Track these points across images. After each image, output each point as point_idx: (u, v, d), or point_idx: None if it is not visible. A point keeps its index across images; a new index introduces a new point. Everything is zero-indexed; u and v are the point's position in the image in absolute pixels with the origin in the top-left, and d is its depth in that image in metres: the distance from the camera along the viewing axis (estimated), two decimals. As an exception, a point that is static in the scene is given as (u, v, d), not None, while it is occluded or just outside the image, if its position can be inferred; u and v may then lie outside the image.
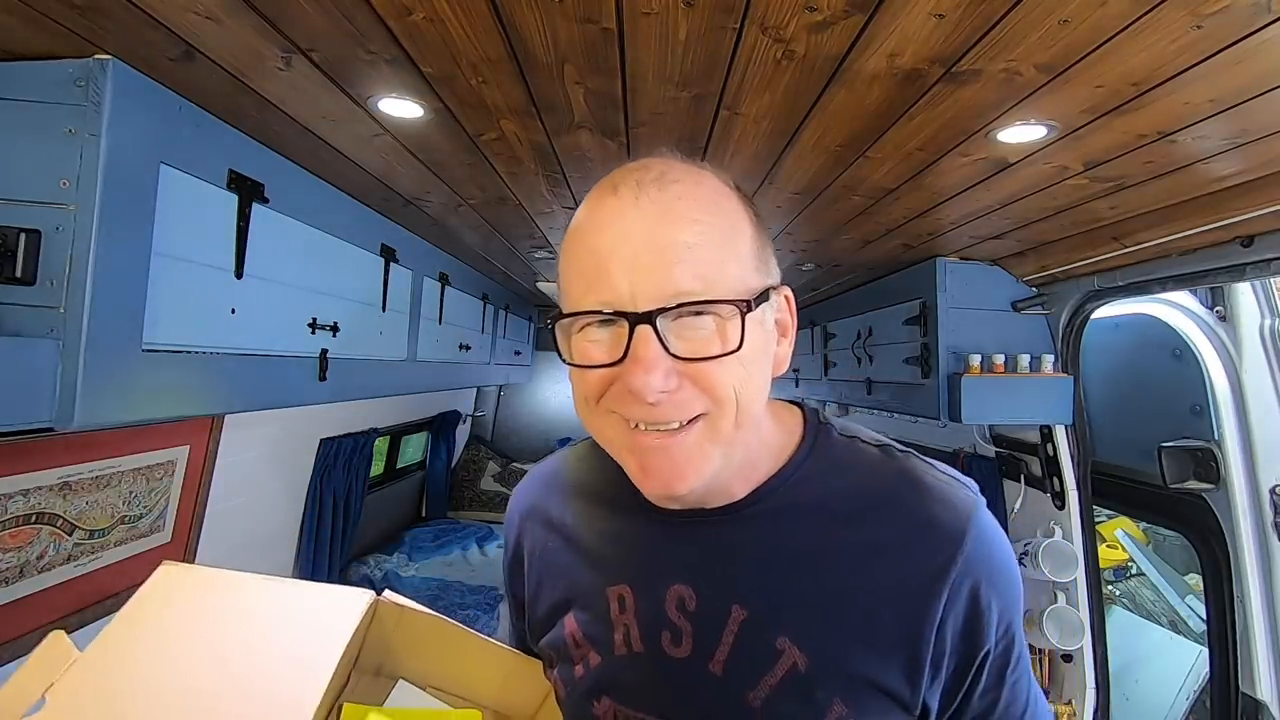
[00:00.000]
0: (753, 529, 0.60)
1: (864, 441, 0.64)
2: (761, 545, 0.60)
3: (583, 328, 0.55)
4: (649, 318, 0.51)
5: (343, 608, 0.76)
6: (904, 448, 0.65)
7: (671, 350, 0.51)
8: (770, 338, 0.58)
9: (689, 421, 0.54)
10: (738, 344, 0.52)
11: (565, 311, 0.55)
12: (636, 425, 0.54)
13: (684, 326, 0.52)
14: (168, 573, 0.81)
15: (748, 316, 0.53)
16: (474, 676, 0.84)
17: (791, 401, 0.68)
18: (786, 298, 0.60)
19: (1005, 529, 2.38)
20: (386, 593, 0.79)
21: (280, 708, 0.64)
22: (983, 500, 0.62)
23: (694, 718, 0.60)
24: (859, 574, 0.57)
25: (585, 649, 0.65)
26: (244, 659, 0.70)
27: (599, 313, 0.53)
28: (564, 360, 0.57)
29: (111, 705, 0.68)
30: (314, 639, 0.71)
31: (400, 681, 0.85)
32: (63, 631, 0.74)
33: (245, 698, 0.66)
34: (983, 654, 0.58)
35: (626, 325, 0.51)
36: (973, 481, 0.63)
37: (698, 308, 0.51)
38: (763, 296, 0.55)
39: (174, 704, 0.68)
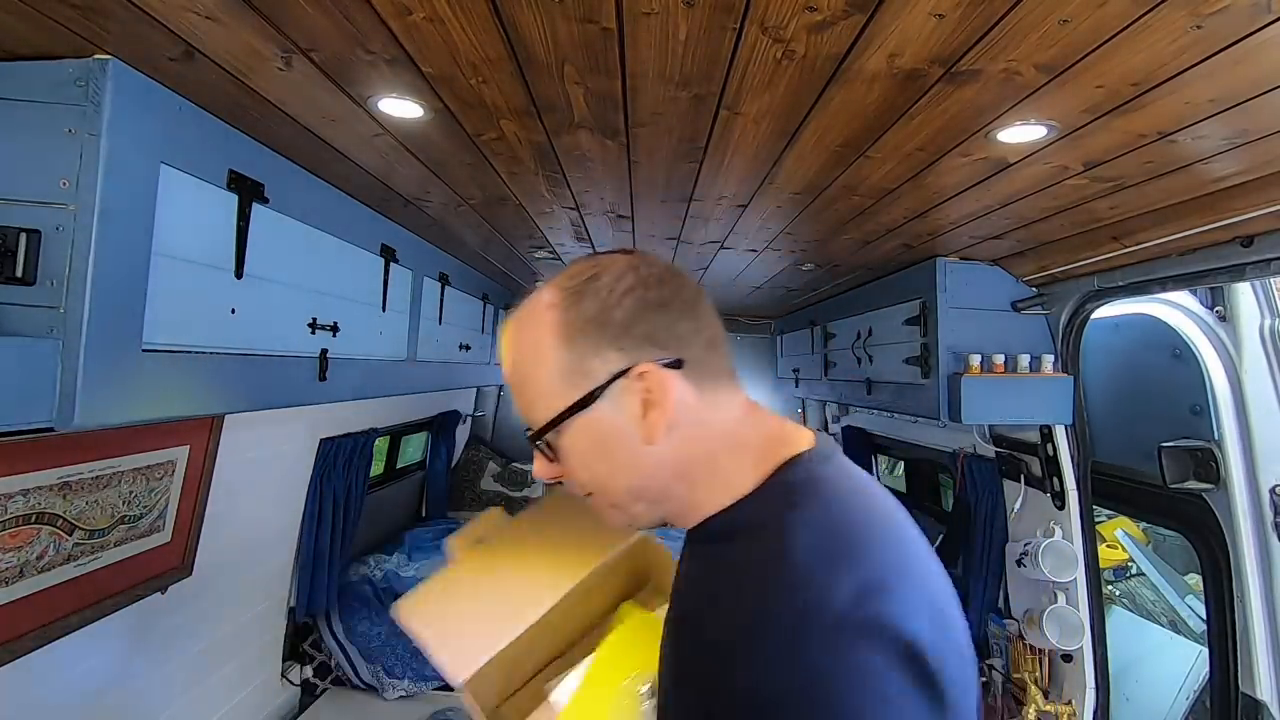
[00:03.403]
0: (700, 549, 0.70)
1: (797, 506, 0.61)
2: (696, 562, 0.70)
3: None
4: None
5: (613, 541, 1.24)
6: (826, 536, 0.59)
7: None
8: (620, 424, 0.65)
9: (586, 494, 0.71)
10: (556, 459, 0.68)
11: None
12: None
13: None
14: (553, 500, 1.38)
15: (561, 432, 0.66)
16: None
17: (816, 431, 0.72)
18: (641, 374, 0.64)
19: (1005, 529, 2.40)
20: (653, 533, 1.18)
21: (531, 605, 1.10)
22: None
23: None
24: (715, 618, 0.62)
25: None
26: (541, 565, 1.21)
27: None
28: None
29: (486, 566, 1.23)
30: (580, 561, 1.21)
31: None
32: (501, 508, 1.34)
33: (523, 593, 1.12)
34: None
35: None
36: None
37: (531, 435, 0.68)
38: (579, 405, 0.64)
39: (498, 583, 1.19)
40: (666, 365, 0.64)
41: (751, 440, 0.68)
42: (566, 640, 1.23)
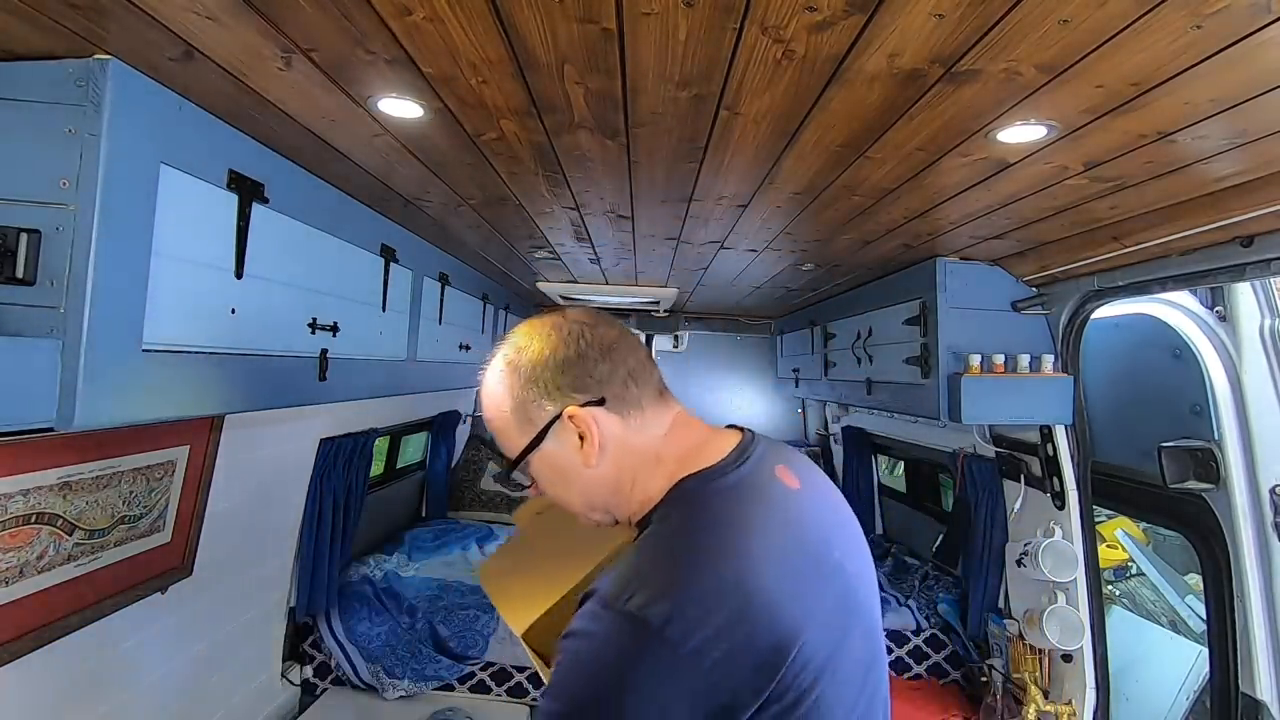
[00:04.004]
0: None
1: (658, 521, 0.78)
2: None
3: None
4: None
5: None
6: (699, 534, 0.74)
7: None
8: (567, 450, 0.84)
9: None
10: (531, 484, 0.90)
11: None
12: None
13: None
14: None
15: (530, 460, 0.85)
16: None
17: (743, 434, 0.88)
18: (570, 416, 0.82)
19: (1005, 529, 2.41)
20: None
21: (577, 566, 1.15)
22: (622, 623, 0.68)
23: None
24: None
25: None
26: (586, 534, 1.19)
27: None
28: None
29: (543, 535, 1.35)
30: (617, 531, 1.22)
31: None
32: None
33: (570, 557, 1.18)
34: None
35: None
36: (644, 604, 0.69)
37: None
38: (533, 444, 0.84)
39: (551, 548, 1.27)
40: (589, 404, 0.82)
41: (666, 458, 0.84)
42: None
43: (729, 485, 0.78)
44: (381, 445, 3.36)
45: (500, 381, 0.87)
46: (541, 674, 1.28)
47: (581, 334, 0.85)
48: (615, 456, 0.83)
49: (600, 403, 0.83)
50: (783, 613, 0.67)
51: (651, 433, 0.85)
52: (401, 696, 2.74)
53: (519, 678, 2.85)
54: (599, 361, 0.84)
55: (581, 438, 0.82)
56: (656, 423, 0.86)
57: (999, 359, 2.02)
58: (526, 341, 0.86)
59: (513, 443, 0.86)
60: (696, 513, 0.76)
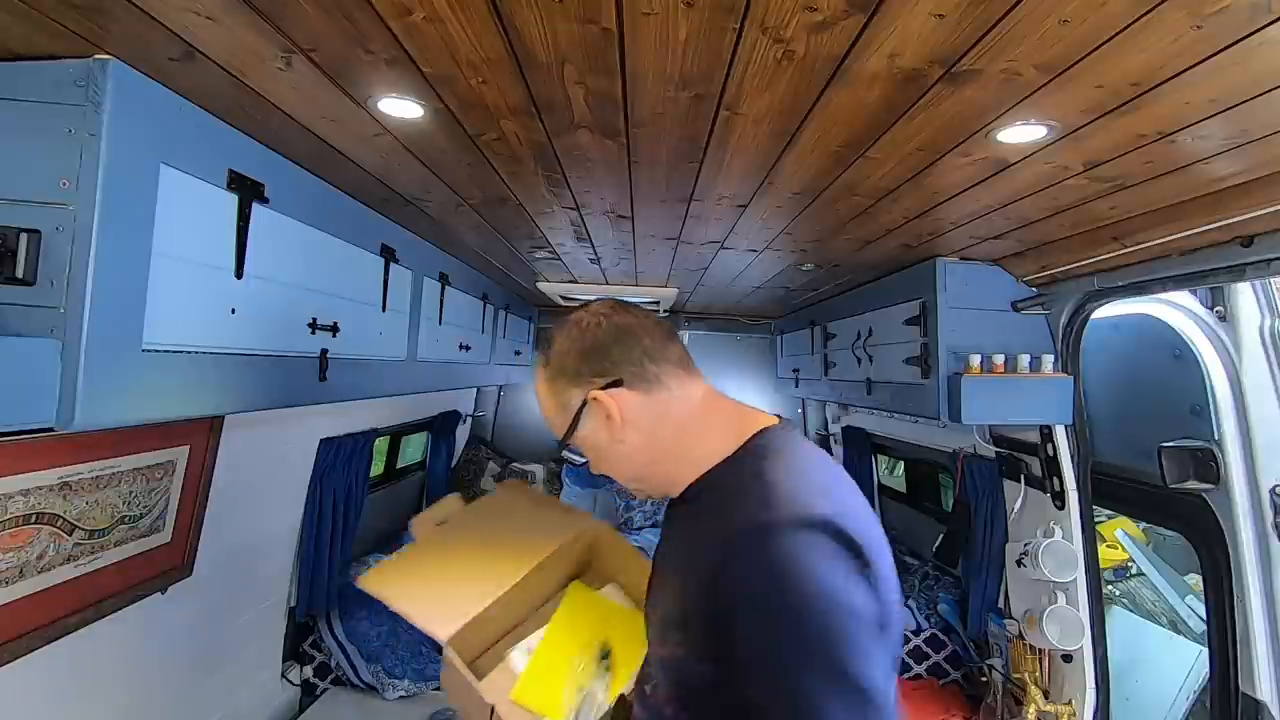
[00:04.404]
0: (677, 510, 0.93)
1: (767, 457, 0.84)
2: (672, 524, 0.95)
3: None
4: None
5: (570, 525, 1.50)
6: (794, 473, 0.82)
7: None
8: (600, 429, 0.92)
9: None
10: (583, 460, 0.98)
11: None
12: None
13: None
14: (508, 485, 1.76)
15: (573, 442, 0.94)
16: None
17: (780, 416, 0.95)
18: (594, 399, 0.90)
19: (1005, 529, 2.41)
20: (604, 522, 1.52)
21: (503, 575, 1.27)
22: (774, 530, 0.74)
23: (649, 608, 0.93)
24: (691, 554, 0.81)
25: None
26: (505, 541, 1.37)
27: None
28: None
29: (451, 541, 1.41)
30: (544, 539, 1.39)
31: (610, 585, 1.47)
32: (459, 495, 1.58)
33: (492, 565, 1.29)
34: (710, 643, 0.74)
35: None
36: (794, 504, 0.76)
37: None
38: (571, 428, 0.93)
39: (464, 556, 1.35)
40: (608, 386, 0.90)
41: (716, 420, 0.92)
42: (522, 612, 1.44)
43: (805, 439, 0.91)
44: (382, 445, 3.36)
45: (541, 377, 0.98)
46: (467, 678, 1.29)
47: (598, 324, 0.93)
48: (646, 430, 0.90)
49: (618, 384, 0.90)
50: (886, 555, 0.79)
51: (681, 405, 0.92)
52: (401, 696, 2.74)
53: (519, 678, 2.85)
54: (612, 346, 0.91)
55: (606, 418, 0.90)
56: (684, 394, 0.92)
57: (999, 359, 2.02)
58: (555, 338, 0.97)
59: (558, 427, 0.96)
60: (802, 452, 0.85)
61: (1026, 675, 2.23)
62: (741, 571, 0.70)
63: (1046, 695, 2.19)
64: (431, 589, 1.28)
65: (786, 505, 0.74)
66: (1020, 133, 1.10)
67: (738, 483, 0.82)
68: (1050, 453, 2.14)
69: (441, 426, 3.98)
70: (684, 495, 0.90)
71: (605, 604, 1.43)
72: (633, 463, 0.93)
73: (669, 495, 0.94)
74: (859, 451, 3.84)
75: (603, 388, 0.90)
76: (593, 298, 3.44)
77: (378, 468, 3.46)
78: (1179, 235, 1.48)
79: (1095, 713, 2.07)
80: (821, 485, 0.80)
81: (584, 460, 0.98)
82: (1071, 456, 2.11)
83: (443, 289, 2.41)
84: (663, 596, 0.87)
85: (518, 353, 3.88)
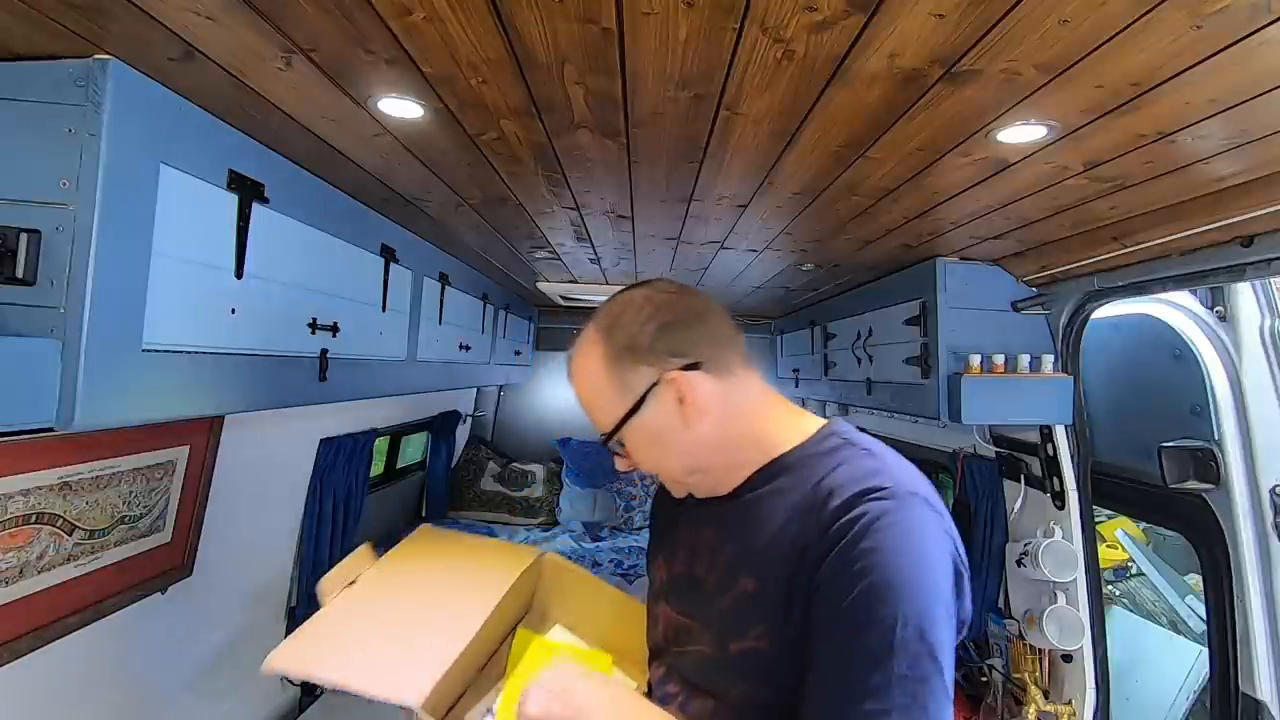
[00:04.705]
0: (736, 505, 0.89)
1: (847, 444, 0.84)
2: (724, 516, 0.89)
3: None
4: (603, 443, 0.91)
5: (516, 558, 1.34)
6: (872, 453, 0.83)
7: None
8: (669, 414, 0.85)
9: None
10: (626, 455, 0.90)
11: None
12: None
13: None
14: (423, 531, 1.49)
15: (624, 428, 0.86)
16: (606, 626, 1.25)
17: (825, 419, 0.92)
18: (669, 380, 0.84)
19: (1005, 529, 2.40)
20: (550, 553, 1.38)
21: (462, 621, 1.12)
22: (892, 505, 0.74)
23: (697, 614, 0.90)
24: (784, 526, 0.81)
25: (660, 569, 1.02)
26: (448, 586, 1.25)
27: None
28: None
29: (376, 597, 1.22)
30: (493, 577, 1.26)
31: (555, 628, 1.31)
32: (370, 544, 1.36)
33: (443, 613, 1.15)
34: (824, 617, 0.73)
35: None
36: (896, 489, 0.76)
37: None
38: (632, 411, 0.85)
39: (401, 610, 1.19)
40: (686, 368, 0.84)
41: (778, 415, 0.91)
42: (480, 661, 1.24)
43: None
44: (381, 445, 3.35)
45: (593, 354, 0.88)
46: None
47: (673, 302, 0.88)
48: (717, 417, 0.86)
49: (696, 366, 0.85)
50: None
51: (746, 395, 0.89)
52: (401, 696, 2.73)
53: (519, 678, 2.85)
54: (691, 326, 0.87)
55: (681, 401, 0.85)
56: (748, 385, 0.90)
57: (999, 359, 2.02)
58: (620, 311, 0.89)
59: (607, 413, 0.87)
60: (879, 442, 0.85)
61: (1026, 675, 2.23)
62: (872, 526, 0.71)
63: (1046, 695, 2.18)
64: (376, 653, 1.09)
65: (899, 477, 0.76)
66: (1020, 133, 1.10)
67: (832, 459, 0.81)
68: (1050, 453, 2.14)
69: (441, 426, 3.98)
70: (749, 482, 0.87)
71: (563, 649, 1.28)
72: (697, 452, 0.87)
73: (719, 491, 0.90)
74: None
75: (681, 368, 0.84)
76: (595, 298, 3.45)
77: (378, 468, 3.46)
78: (1179, 235, 1.48)
79: (1095, 713, 2.07)
80: (912, 468, 0.81)
81: (619, 454, 0.91)
82: (1071, 456, 2.11)
83: (443, 289, 2.41)
84: (727, 589, 0.84)
85: (518, 353, 3.88)
